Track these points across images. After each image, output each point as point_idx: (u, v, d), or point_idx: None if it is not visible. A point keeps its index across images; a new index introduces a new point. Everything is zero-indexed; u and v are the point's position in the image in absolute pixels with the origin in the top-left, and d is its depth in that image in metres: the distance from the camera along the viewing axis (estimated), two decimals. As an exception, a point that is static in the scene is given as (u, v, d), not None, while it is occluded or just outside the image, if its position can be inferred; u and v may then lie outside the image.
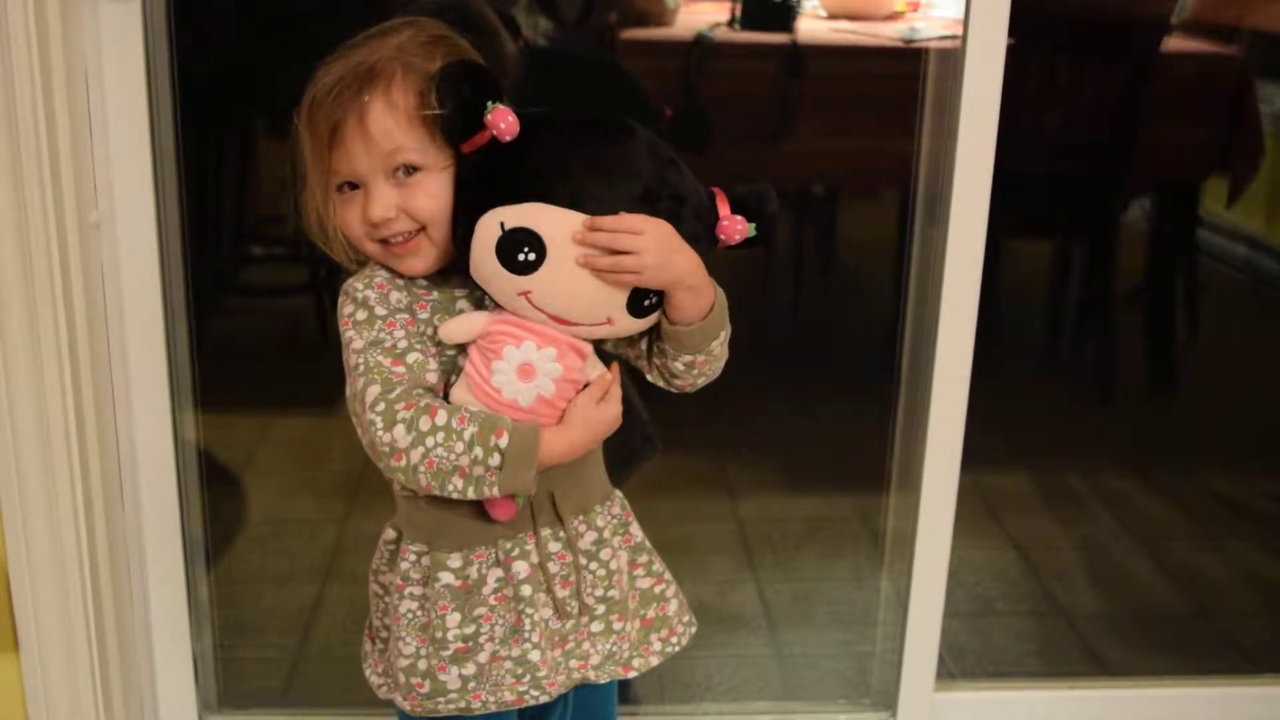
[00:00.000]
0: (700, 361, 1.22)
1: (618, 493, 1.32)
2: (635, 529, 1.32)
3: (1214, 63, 2.22)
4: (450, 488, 1.13)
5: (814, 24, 2.10)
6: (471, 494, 1.13)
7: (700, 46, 2.00)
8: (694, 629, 1.36)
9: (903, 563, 1.82)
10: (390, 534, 1.28)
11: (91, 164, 1.53)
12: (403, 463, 1.12)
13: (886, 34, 2.07)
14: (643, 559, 1.32)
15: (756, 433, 2.31)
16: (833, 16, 2.12)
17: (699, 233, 1.17)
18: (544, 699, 1.25)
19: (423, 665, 1.23)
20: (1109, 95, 2.21)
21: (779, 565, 2.20)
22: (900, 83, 1.76)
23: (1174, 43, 2.21)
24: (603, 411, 1.19)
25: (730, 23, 2.03)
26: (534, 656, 1.23)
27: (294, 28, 1.91)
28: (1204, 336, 2.40)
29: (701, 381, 1.26)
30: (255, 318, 2.24)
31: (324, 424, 2.24)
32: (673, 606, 1.34)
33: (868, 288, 2.32)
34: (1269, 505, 2.34)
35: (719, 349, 1.23)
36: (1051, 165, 2.22)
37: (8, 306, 1.43)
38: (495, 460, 1.12)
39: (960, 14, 1.57)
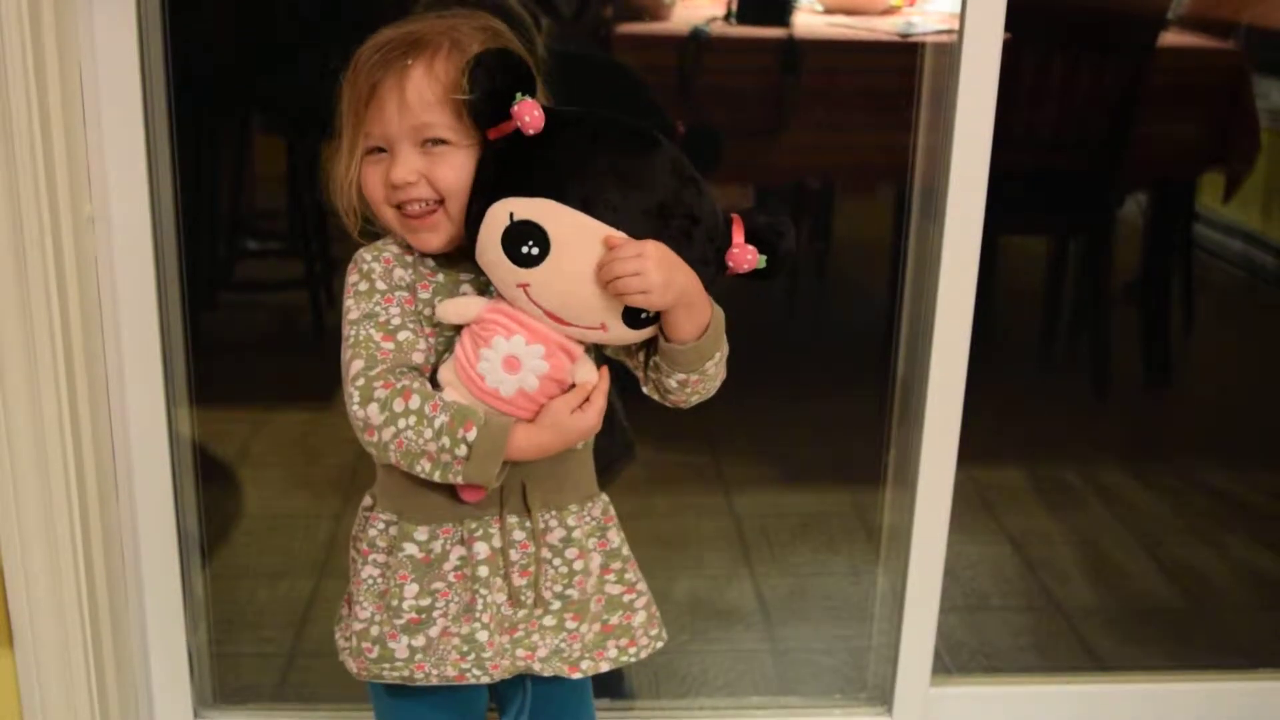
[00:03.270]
0: (694, 381, 1.21)
1: (603, 497, 1.31)
2: (614, 535, 1.32)
3: (1211, 58, 2.22)
4: (418, 468, 1.16)
5: (810, 18, 2.10)
6: (437, 477, 1.16)
7: (696, 41, 1.99)
8: (660, 644, 1.35)
9: (899, 558, 1.82)
10: (368, 500, 1.30)
11: (86, 158, 1.53)
12: (375, 438, 1.16)
13: (883, 28, 2.06)
14: (616, 565, 1.32)
15: (752, 427, 2.30)
16: (829, 11, 2.12)
17: (708, 256, 1.17)
18: (485, 679, 1.26)
19: (375, 631, 1.26)
20: (1105, 90, 2.21)
21: (775, 560, 2.20)
22: (896, 77, 1.76)
23: (1171, 37, 2.21)
24: (577, 420, 1.19)
25: (726, 17, 2.03)
26: (481, 636, 1.25)
27: (290, 22, 1.91)
28: (1200, 332, 2.40)
29: (695, 400, 1.25)
30: (250, 312, 2.24)
31: (319, 419, 2.24)
32: (639, 618, 1.33)
33: (863, 283, 2.32)
34: (1264, 500, 2.34)
35: (713, 369, 1.22)
36: (1048, 160, 2.22)
37: (2, 301, 1.42)
38: (462, 451, 1.14)
39: (956, 8, 1.57)
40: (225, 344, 2.09)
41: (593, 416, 1.20)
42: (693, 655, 2.00)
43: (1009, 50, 1.57)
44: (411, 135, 1.17)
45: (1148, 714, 1.93)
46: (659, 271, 1.11)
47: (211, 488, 1.86)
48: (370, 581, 1.27)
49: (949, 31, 1.63)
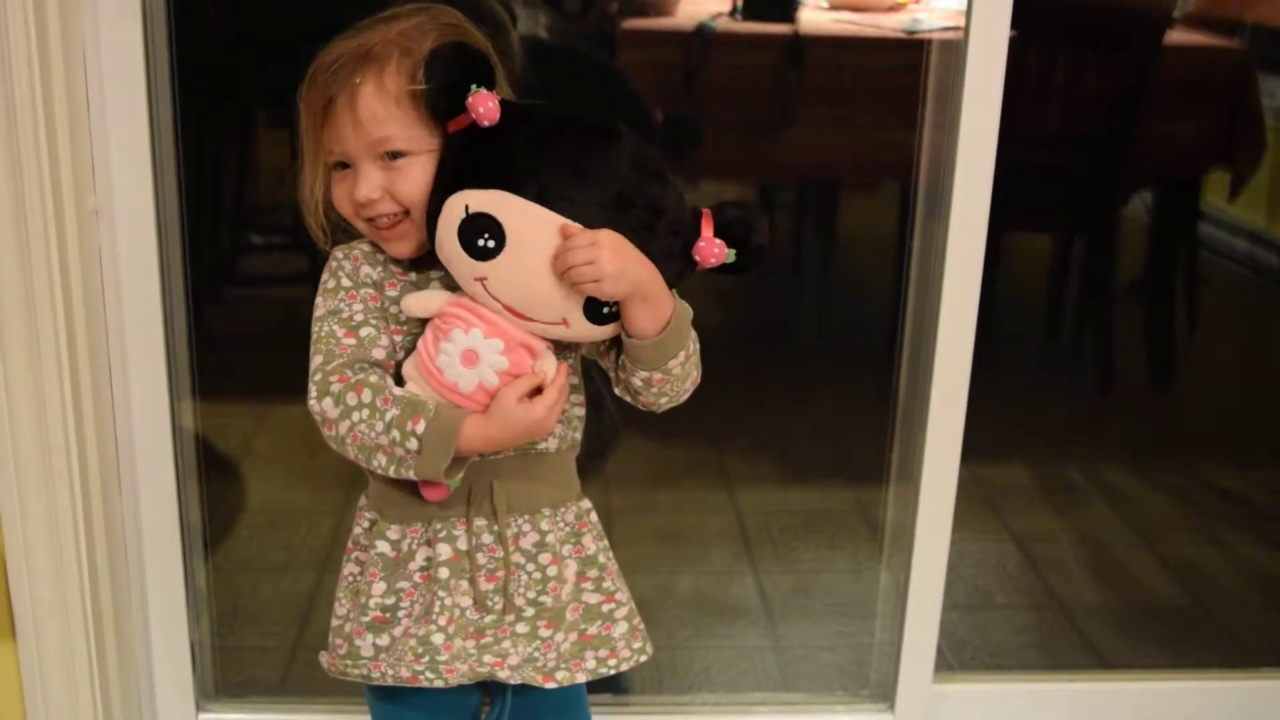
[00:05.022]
0: (658, 380, 1.20)
1: (584, 503, 1.30)
2: (589, 541, 1.30)
3: (1216, 56, 2.21)
4: (375, 463, 1.16)
5: (815, 15, 2.10)
6: (393, 472, 1.16)
7: (701, 37, 1.99)
8: (644, 657, 1.32)
9: (902, 555, 1.82)
10: (362, 499, 1.31)
11: (90, 151, 1.53)
12: (333, 432, 1.17)
13: (888, 25, 2.06)
14: (592, 573, 1.30)
15: (756, 424, 2.30)
16: (835, 7, 2.12)
17: (673, 250, 1.16)
18: (439, 683, 1.24)
19: (346, 628, 1.27)
20: (1111, 88, 2.21)
21: (778, 557, 2.20)
22: (902, 74, 1.76)
23: (1176, 36, 2.21)
24: (523, 410, 1.15)
25: (732, 13, 2.03)
26: (437, 640, 1.24)
27: (293, 14, 1.91)
28: (1204, 330, 2.40)
29: (664, 402, 1.23)
30: (254, 306, 2.24)
31: (322, 413, 2.24)
32: (620, 629, 1.31)
33: (868, 280, 2.31)
34: (1267, 499, 2.34)
35: (679, 369, 1.20)
36: (1053, 158, 2.21)
37: (5, 294, 1.42)
38: (412, 445, 1.14)
39: (962, 5, 1.57)
40: (228, 338, 2.09)
41: (540, 410, 1.16)
42: (695, 651, 2.00)
43: (1015, 47, 1.57)
44: (369, 151, 1.17)
45: (1150, 712, 1.93)
46: (612, 260, 1.10)
47: (214, 481, 1.86)
48: (350, 579, 1.29)
49: (955, 28, 1.63)
